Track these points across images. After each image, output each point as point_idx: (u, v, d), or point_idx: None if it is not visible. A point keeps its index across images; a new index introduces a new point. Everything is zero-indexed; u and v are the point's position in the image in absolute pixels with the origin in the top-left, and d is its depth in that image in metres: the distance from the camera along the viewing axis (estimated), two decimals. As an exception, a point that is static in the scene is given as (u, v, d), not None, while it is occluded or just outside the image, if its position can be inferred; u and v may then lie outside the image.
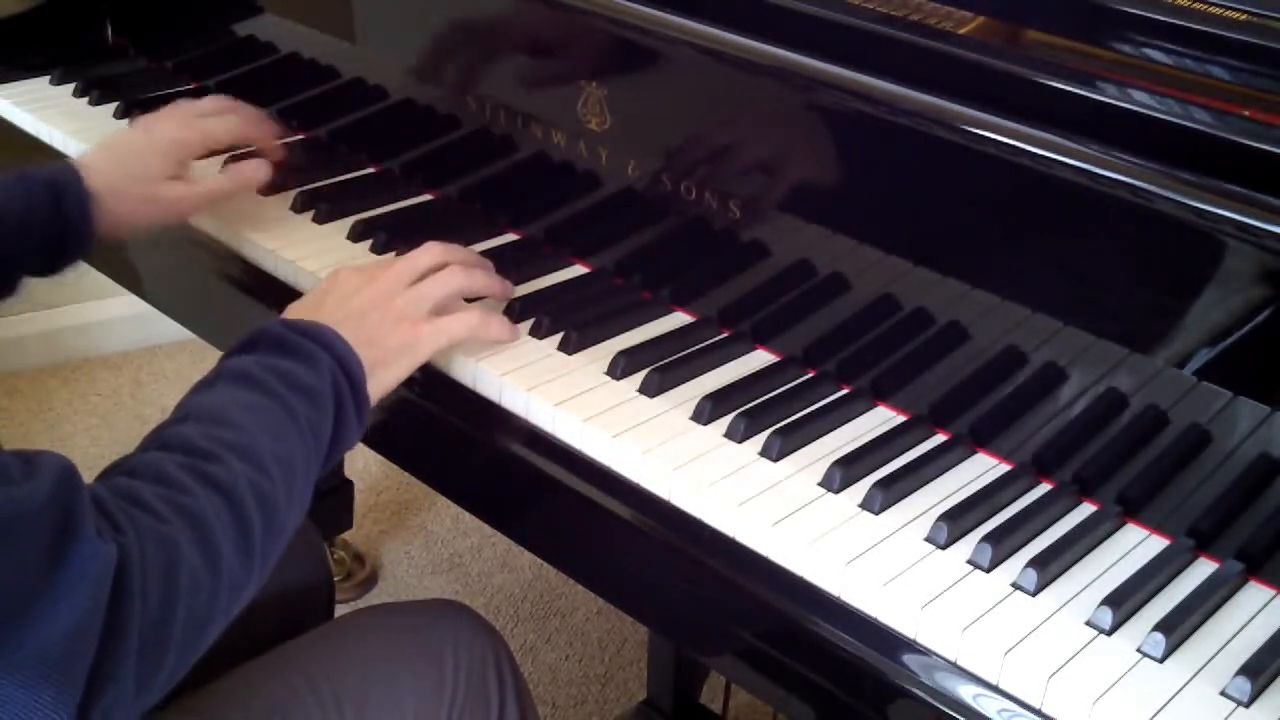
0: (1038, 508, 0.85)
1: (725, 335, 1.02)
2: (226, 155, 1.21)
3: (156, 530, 0.68)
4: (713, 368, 0.98)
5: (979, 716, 0.74)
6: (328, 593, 1.15)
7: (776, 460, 0.89)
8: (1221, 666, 0.75)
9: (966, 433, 0.92)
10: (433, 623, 0.99)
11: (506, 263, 1.06)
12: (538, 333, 1.01)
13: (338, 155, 1.29)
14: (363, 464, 2.12)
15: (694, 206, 1.02)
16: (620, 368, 0.96)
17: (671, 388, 0.95)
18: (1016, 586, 0.79)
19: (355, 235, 1.14)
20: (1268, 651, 0.75)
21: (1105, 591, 0.78)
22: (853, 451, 0.89)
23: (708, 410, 0.92)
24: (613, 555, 0.92)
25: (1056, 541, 0.82)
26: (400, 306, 0.92)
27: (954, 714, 0.75)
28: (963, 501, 0.85)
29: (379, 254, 1.11)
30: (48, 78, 1.43)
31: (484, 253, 1.11)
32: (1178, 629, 0.76)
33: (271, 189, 1.18)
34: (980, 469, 0.90)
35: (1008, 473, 0.89)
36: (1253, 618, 0.79)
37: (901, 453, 0.90)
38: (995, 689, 0.74)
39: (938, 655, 0.76)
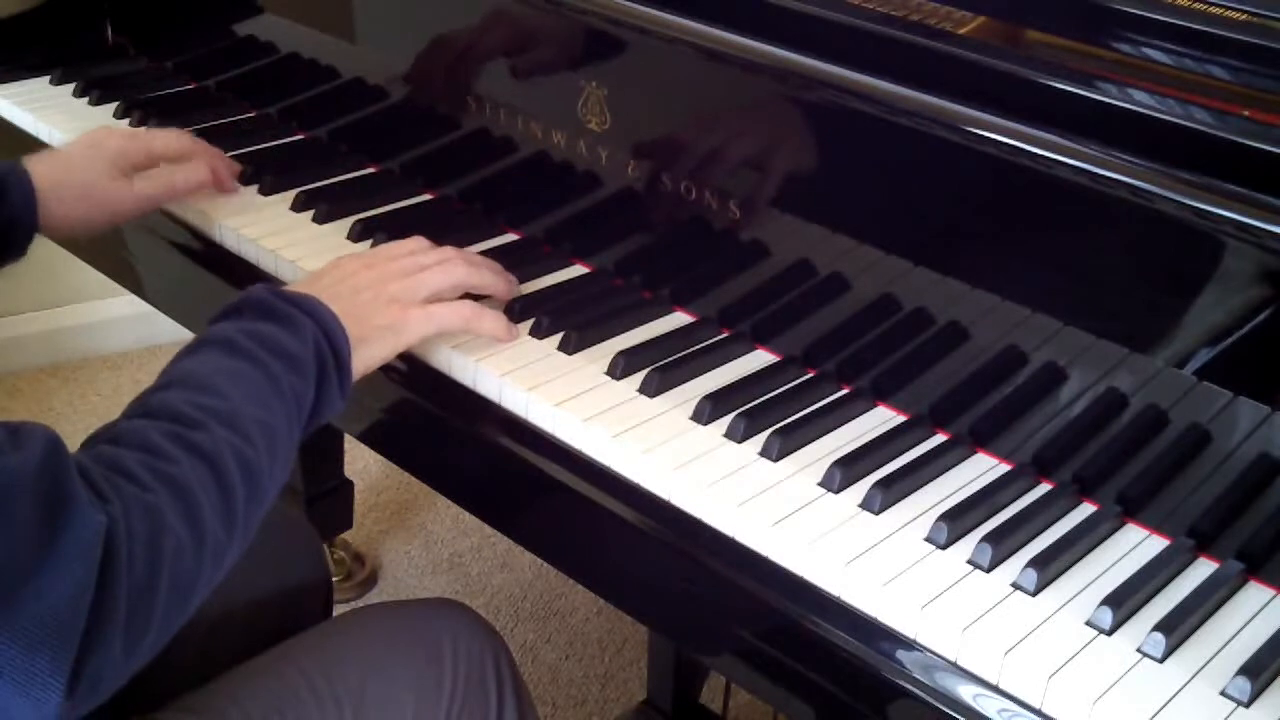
0: (1038, 508, 0.85)
1: (725, 335, 1.02)
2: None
3: (141, 499, 0.69)
4: (713, 368, 0.98)
5: (979, 716, 0.74)
6: (326, 592, 1.15)
7: (776, 460, 0.89)
8: (1221, 666, 0.75)
9: (966, 433, 0.92)
10: (432, 621, 0.99)
11: (506, 263, 1.06)
12: (538, 333, 1.01)
13: (337, 155, 1.29)
14: (363, 464, 2.12)
15: (694, 206, 1.02)
16: (620, 368, 0.96)
17: (671, 388, 0.95)
18: (1016, 586, 0.79)
19: (355, 235, 1.14)
20: (1268, 651, 0.75)
21: (1105, 591, 0.78)
22: (853, 451, 0.89)
23: (708, 410, 0.92)
24: (612, 555, 0.92)
25: (1056, 541, 0.82)
26: (395, 290, 0.94)
27: (954, 714, 0.75)
28: (963, 501, 0.85)
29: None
30: (48, 78, 1.43)
31: (484, 253, 1.11)
32: (1178, 629, 0.76)
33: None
34: (980, 469, 0.90)
35: (1008, 473, 0.89)
36: (1253, 618, 0.79)
37: (901, 453, 0.90)
38: (995, 689, 0.74)
39: (938, 655, 0.76)
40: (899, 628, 0.78)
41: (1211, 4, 0.87)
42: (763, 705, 1.65)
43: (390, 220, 1.16)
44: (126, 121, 1.34)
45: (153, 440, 0.73)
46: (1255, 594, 0.81)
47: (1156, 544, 0.84)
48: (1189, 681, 0.74)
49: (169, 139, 1.17)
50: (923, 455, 0.90)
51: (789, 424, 0.91)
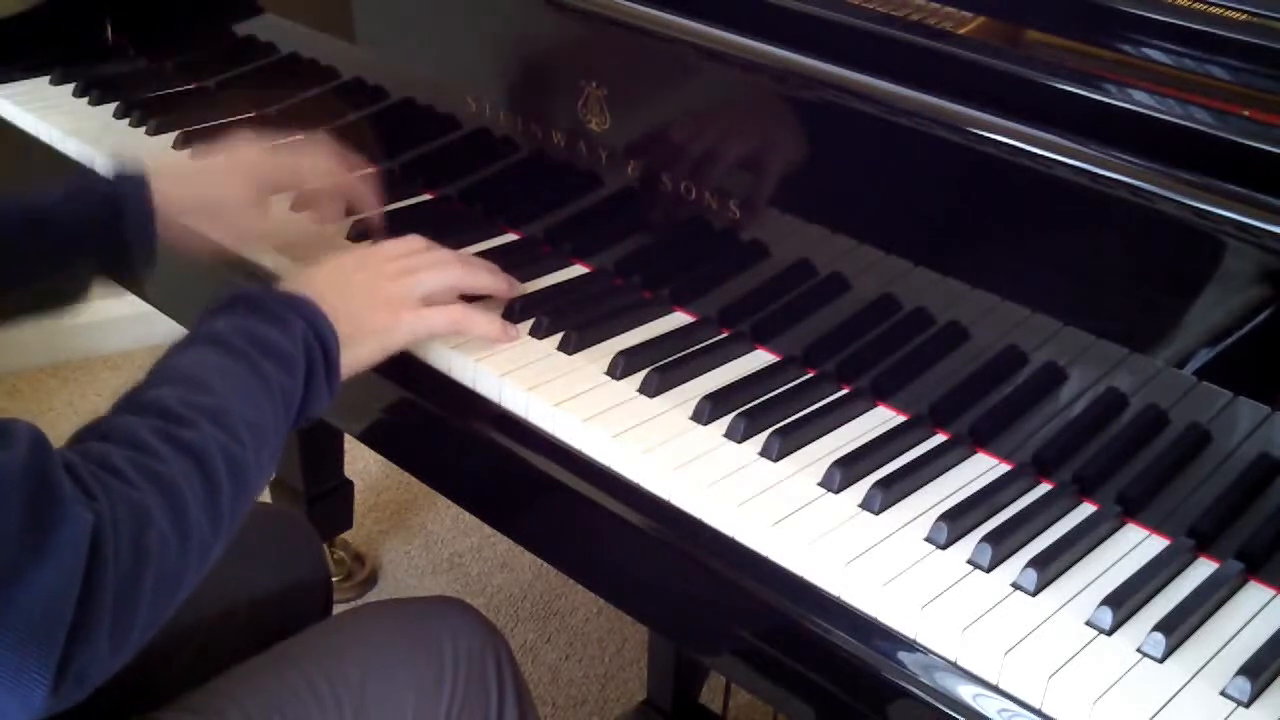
0: (1038, 508, 0.85)
1: (725, 335, 1.02)
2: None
3: (127, 496, 0.69)
4: (713, 368, 0.98)
5: (979, 716, 0.74)
6: (326, 592, 1.15)
7: (776, 460, 0.89)
8: (1221, 666, 0.75)
9: (966, 433, 0.92)
10: (432, 620, 0.99)
11: (506, 263, 1.06)
12: (538, 333, 1.01)
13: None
14: (363, 464, 2.12)
15: (694, 206, 1.02)
16: (620, 368, 0.96)
17: (671, 388, 0.95)
18: (1016, 586, 0.79)
19: (355, 235, 1.14)
20: (1268, 651, 0.75)
21: (1105, 591, 0.78)
22: (853, 451, 0.89)
23: (708, 410, 0.92)
24: (613, 555, 0.92)
25: (1056, 541, 0.82)
26: (388, 291, 0.94)
27: (954, 714, 0.75)
28: (963, 501, 0.85)
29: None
30: (48, 78, 1.43)
31: (484, 253, 1.12)
32: (1178, 629, 0.76)
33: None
34: (980, 469, 0.90)
35: (1008, 473, 0.89)
36: (1253, 618, 0.79)
37: (901, 453, 0.90)
38: (995, 689, 0.74)
39: (938, 655, 0.76)
40: (899, 628, 0.78)
41: (1211, 4, 0.87)
42: (763, 705, 1.65)
43: (390, 220, 1.16)
44: (126, 122, 1.34)
45: (141, 437, 0.73)
46: (1255, 594, 0.81)
47: (1156, 544, 0.84)
48: (1189, 681, 0.74)
49: (322, 169, 1.09)
50: (923, 455, 0.90)
51: (789, 424, 0.91)
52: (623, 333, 1.02)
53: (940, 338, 0.92)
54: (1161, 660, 0.75)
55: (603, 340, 1.00)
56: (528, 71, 1.12)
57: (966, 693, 0.75)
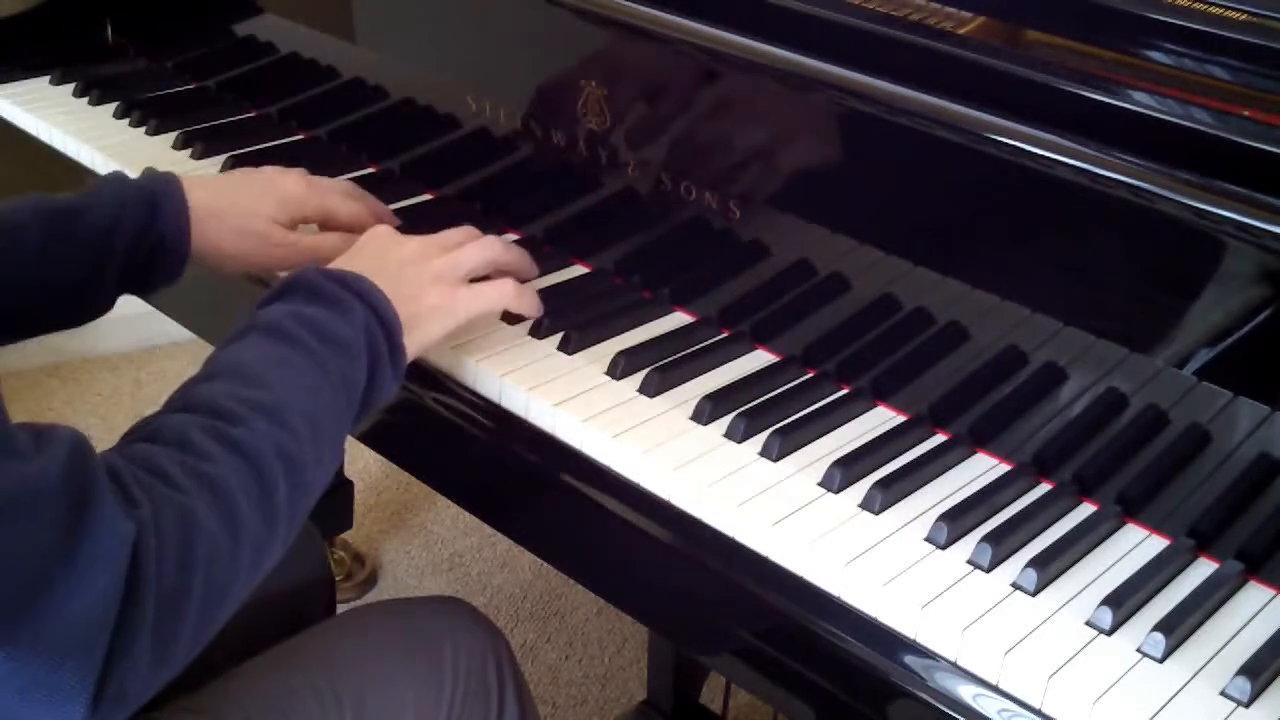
0: (1038, 508, 0.85)
1: (725, 335, 1.02)
2: None
3: (174, 500, 0.67)
4: (713, 368, 0.98)
5: (979, 716, 0.74)
6: (328, 592, 1.15)
7: (776, 460, 0.89)
8: (1221, 666, 0.75)
9: (966, 433, 0.92)
10: (433, 620, 0.99)
11: (506, 263, 1.06)
12: (538, 333, 1.01)
13: (337, 155, 1.29)
14: (363, 464, 2.12)
15: (694, 206, 1.02)
16: (620, 368, 0.96)
17: (671, 388, 0.95)
18: (1016, 586, 0.79)
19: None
20: (1268, 651, 0.75)
21: (1105, 591, 0.78)
22: (853, 451, 0.89)
23: (708, 410, 0.92)
24: (612, 555, 0.93)
25: (1056, 541, 0.82)
26: (437, 267, 0.92)
27: (954, 714, 0.75)
28: (963, 501, 0.85)
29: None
30: (48, 78, 1.43)
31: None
32: (1178, 629, 0.76)
33: None
34: (980, 469, 0.90)
35: (1008, 473, 0.89)
36: (1253, 618, 0.79)
37: (901, 453, 0.90)
38: (995, 689, 0.74)
39: (938, 655, 0.76)
40: (899, 628, 0.78)
41: (1211, 4, 0.87)
42: (763, 705, 1.65)
43: (390, 220, 1.16)
44: (126, 122, 1.34)
45: (191, 437, 0.71)
46: (1255, 594, 0.81)
47: (1156, 544, 0.84)
48: (1189, 681, 0.74)
49: (354, 210, 1.06)
50: (923, 455, 0.90)
51: (789, 424, 0.91)
52: (623, 333, 1.02)
53: (940, 338, 0.92)
54: (1161, 660, 0.75)
55: (603, 340, 1.00)
56: (527, 71, 1.12)
57: (966, 693, 0.75)
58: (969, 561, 0.81)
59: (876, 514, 0.84)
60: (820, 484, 0.87)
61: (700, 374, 0.98)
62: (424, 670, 0.95)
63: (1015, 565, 0.80)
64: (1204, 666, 0.75)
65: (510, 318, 1.02)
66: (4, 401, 0.63)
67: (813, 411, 0.93)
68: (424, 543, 2.03)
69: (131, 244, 0.94)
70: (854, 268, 0.95)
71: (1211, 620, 0.78)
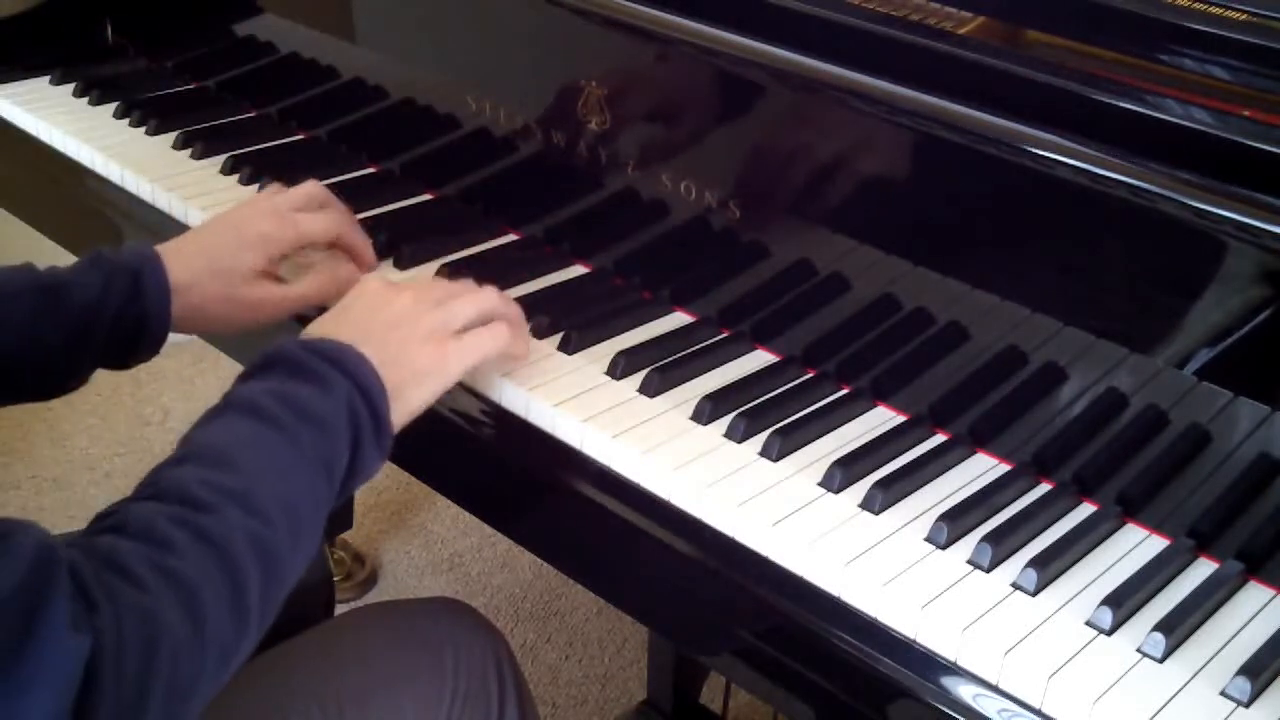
0: (1038, 508, 0.85)
1: (725, 335, 1.02)
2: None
3: (137, 603, 0.64)
4: (713, 368, 0.98)
5: (979, 716, 0.74)
6: (327, 592, 1.15)
7: (776, 460, 0.89)
8: (1221, 666, 0.75)
9: (966, 433, 0.92)
10: (433, 621, 0.99)
11: (507, 263, 1.06)
12: (538, 333, 1.01)
13: (337, 155, 1.29)
14: (363, 464, 2.12)
15: (694, 206, 1.02)
16: (620, 368, 0.96)
17: (671, 388, 0.95)
18: (1016, 586, 0.79)
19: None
20: (1268, 651, 0.75)
21: (1105, 591, 0.78)
22: (853, 451, 0.89)
23: (708, 410, 0.92)
24: (612, 555, 0.92)
25: (1056, 541, 0.82)
26: (428, 324, 0.87)
27: (954, 714, 0.75)
28: (963, 501, 0.85)
29: (380, 256, 1.11)
30: (48, 78, 1.43)
31: (484, 253, 1.12)
32: (1178, 629, 0.76)
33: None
34: (980, 469, 0.90)
35: (1008, 473, 0.89)
36: (1253, 618, 0.79)
37: (901, 453, 0.90)
38: (995, 689, 0.74)
39: (938, 655, 0.76)
40: (899, 628, 0.78)
41: (1211, 4, 0.87)
42: (763, 705, 1.65)
43: (392, 221, 1.16)
44: (126, 122, 1.34)
45: (158, 529, 0.68)
46: (1255, 594, 0.81)
47: (1156, 544, 0.84)
48: (1189, 681, 0.74)
49: (326, 225, 1.03)
50: (923, 455, 0.90)
51: (789, 424, 0.91)
52: (623, 333, 1.02)
53: (940, 338, 0.92)
54: (1161, 660, 0.75)
55: (603, 340, 1.00)
56: (527, 71, 1.12)
57: (966, 693, 0.75)
58: (969, 561, 0.81)
59: (876, 514, 0.84)
60: (820, 484, 0.87)
61: (700, 374, 0.98)
62: (424, 672, 0.94)
63: (1015, 565, 0.80)
64: (1204, 666, 0.75)
65: None
66: None
67: (813, 411, 0.93)
68: (424, 543, 2.03)
69: (114, 322, 0.93)
70: (854, 268, 0.95)
71: (1211, 620, 0.78)
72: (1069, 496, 0.87)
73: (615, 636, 1.86)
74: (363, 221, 1.14)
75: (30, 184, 1.43)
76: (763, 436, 0.90)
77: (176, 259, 0.96)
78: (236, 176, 1.24)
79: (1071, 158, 0.81)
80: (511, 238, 1.16)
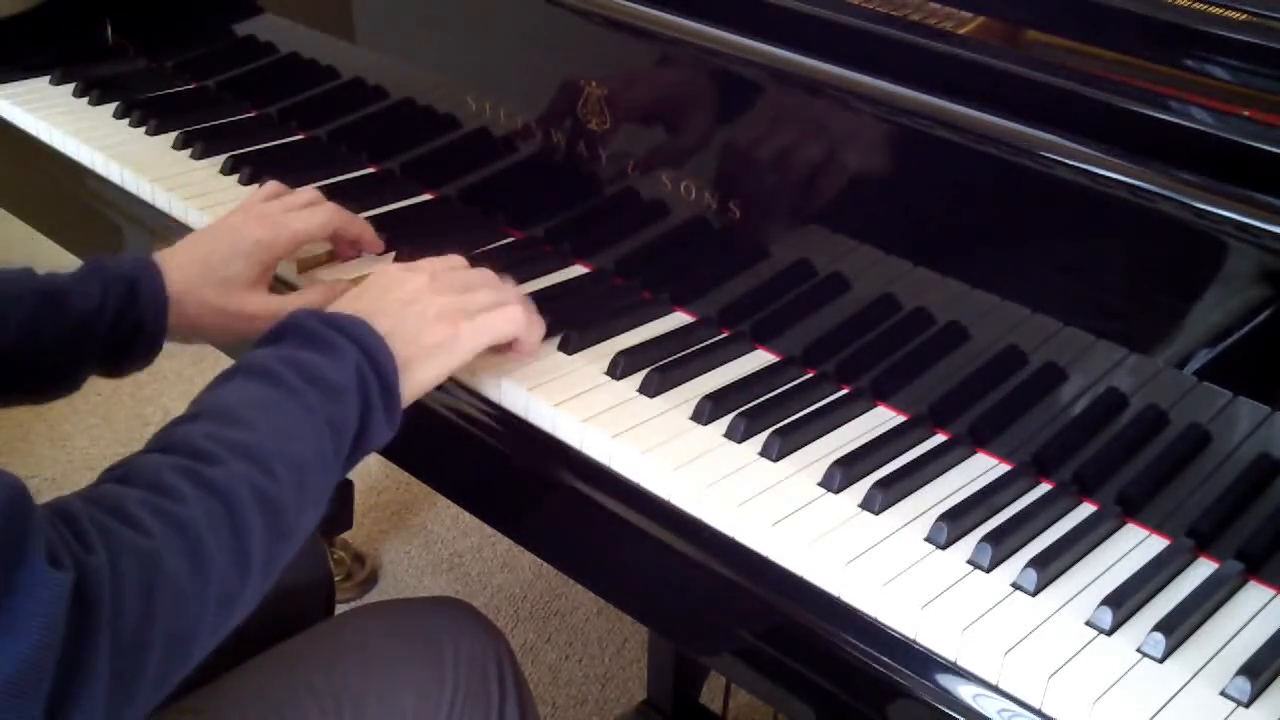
0: (1038, 508, 0.85)
1: (725, 335, 1.02)
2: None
3: (135, 545, 0.64)
4: (713, 368, 0.98)
5: (979, 716, 0.74)
6: (327, 592, 1.15)
7: (776, 460, 0.89)
8: (1221, 666, 0.75)
9: (966, 433, 0.92)
10: (433, 620, 0.99)
11: (506, 263, 1.06)
12: (538, 333, 1.01)
13: (337, 155, 1.29)
14: (363, 464, 2.11)
15: (694, 206, 1.02)
16: (620, 368, 0.96)
17: (671, 388, 0.95)
18: (1016, 586, 0.79)
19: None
20: (1268, 651, 0.75)
21: (1105, 591, 0.78)
22: (853, 451, 0.89)
23: (708, 410, 0.92)
24: (612, 555, 0.92)
25: (1056, 541, 0.82)
26: (443, 304, 0.88)
27: (954, 714, 0.75)
28: (963, 501, 0.85)
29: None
30: (48, 78, 1.43)
31: (484, 253, 1.12)
32: (1178, 629, 0.76)
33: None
34: (980, 469, 0.90)
35: (1008, 473, 0.89)
36: (1253, 618, 0.79)
37: (901, 453, 0.90)
38: (995, 689, 0.74)
39: (938, 655, 0.76)
40: (899, 628, 0.78)
41: (1211, 4, 0.87)
42: (763, 705, 1.65)
43: (392, 221, 1.16)
44: (126, 122, 1.34)
45: (163, 478, 0.69)
46: (1255, 594, 0.81)
47: (1156, 544, 0.84)
48: (1189, 681, 0.74)
49: (320, 221, 1.04)
50: (923, 455, 0.90)
51: (789, 424, 0.91)
52: (623, 333, 1.02)
53: (940, 338, 0.92)
54: (1161, 660, 0.75)
55: (603, 340, 1.00)
56: (528, 71, 1.12)
57: (966, 693, 0.75)
58: (969, 561, 0.81)
59: (876, 514, 0.84)
60: (820, 484, 0.87)
61: (700, 374, 0.97)
62: (424, 671, 0.95)
63: (1015, 565, 0.80)
64: (1204, 666, 0.75)
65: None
66: None
67: (813, 411, 0.93)
68: (424, 543, 2.03)
69: (110, 330, 0.93)
70: (854, 268, 0.95)
71: (1211, 620, 0.78)
72: (1069, 496, 0.87)
73: (615, 636, 1.86)
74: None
75: (30, 184, 1.43)
76: (763, 436, 0.90)
77: (174, 268, 0.97)
78: (236, 176, 1.24)
79: (1071, 158, 0.81)
80: (511, 238, 1.16)
